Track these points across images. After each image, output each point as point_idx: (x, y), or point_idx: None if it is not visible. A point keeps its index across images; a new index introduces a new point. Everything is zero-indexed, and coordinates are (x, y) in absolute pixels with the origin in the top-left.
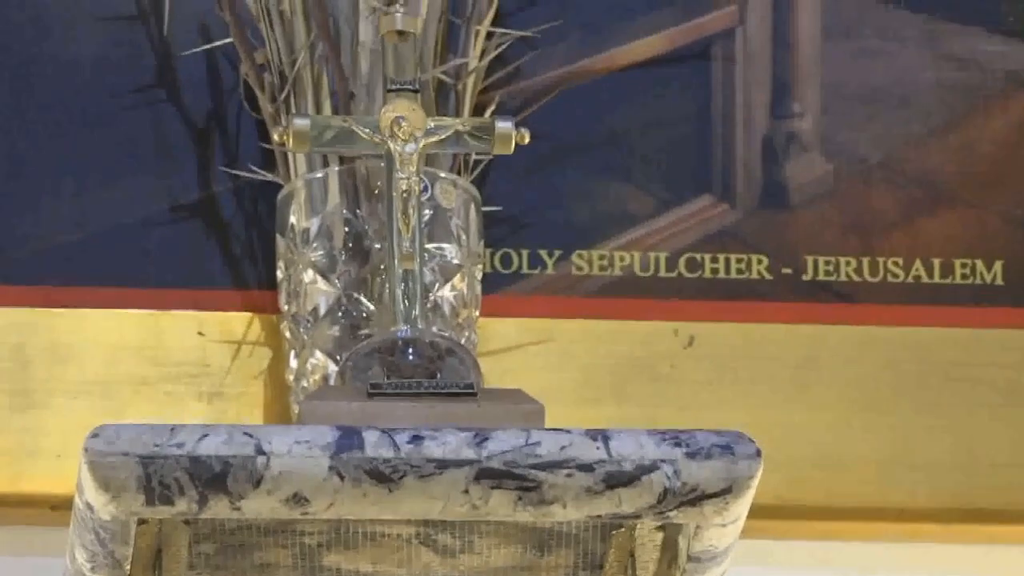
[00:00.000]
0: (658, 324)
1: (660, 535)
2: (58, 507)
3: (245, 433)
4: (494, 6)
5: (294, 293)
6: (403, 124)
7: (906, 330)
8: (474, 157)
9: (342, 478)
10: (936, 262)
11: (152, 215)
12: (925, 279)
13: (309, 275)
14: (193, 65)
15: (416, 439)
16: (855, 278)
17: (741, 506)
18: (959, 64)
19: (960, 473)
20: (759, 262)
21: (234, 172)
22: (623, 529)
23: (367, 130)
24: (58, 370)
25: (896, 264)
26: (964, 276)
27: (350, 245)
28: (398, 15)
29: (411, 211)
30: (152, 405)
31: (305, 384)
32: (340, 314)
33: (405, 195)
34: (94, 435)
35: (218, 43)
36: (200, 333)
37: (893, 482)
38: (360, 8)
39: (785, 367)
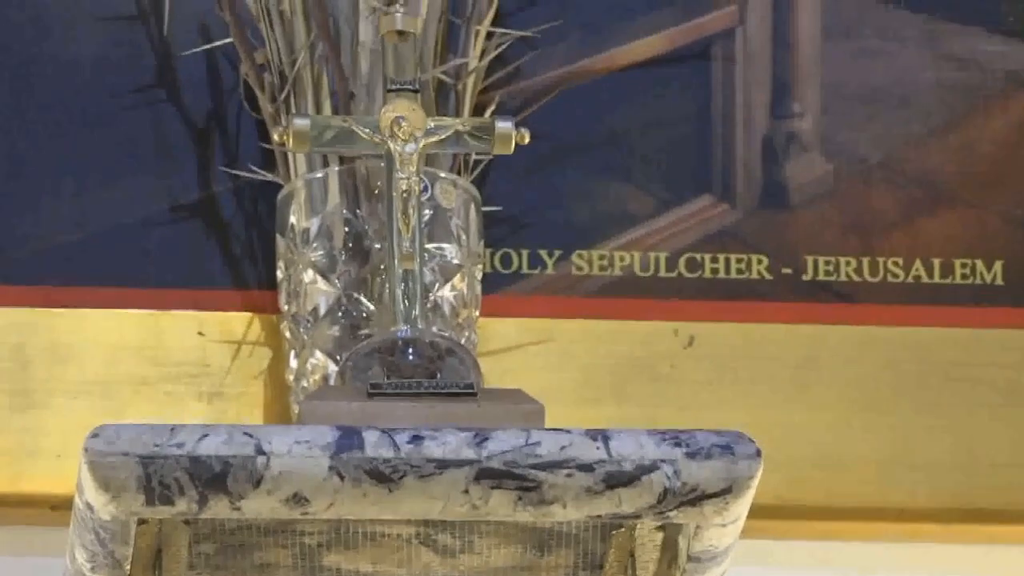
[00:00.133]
0: (658, 324)
1: (660, 535)
2: (58, 507)
3: (245, 433)
4: (494, 6)
5: (294, 293)
6: (403, 124)
7: (906, 330)
8: (474, 157)
9: (342, 478)
10: (936, 262)
11: (152, 215)
12: (925, 279)
13: (309, 275)
14: (193, 65)
15: (416, 439)
16: (855, 278)
17: (741, 506)
18: (959, 64)
19: (960, 473)
20: (759, 262)
21: (234, 172)
22: (623, 529)
23: (367, 130)
24: (58, 370)
25: (896, 264)
26: (964, 276)
27: (350, 245)
28: (398, 15)
29: (411, 211)
30: (152, 405)
31: (305, 384)
32: (340, 314)
33: (405, 195)
34: (94, 435)
35: (218, 43)
36: (200, 333)
37: (893, 482)
38: (360, 8)
39: (785, 367)
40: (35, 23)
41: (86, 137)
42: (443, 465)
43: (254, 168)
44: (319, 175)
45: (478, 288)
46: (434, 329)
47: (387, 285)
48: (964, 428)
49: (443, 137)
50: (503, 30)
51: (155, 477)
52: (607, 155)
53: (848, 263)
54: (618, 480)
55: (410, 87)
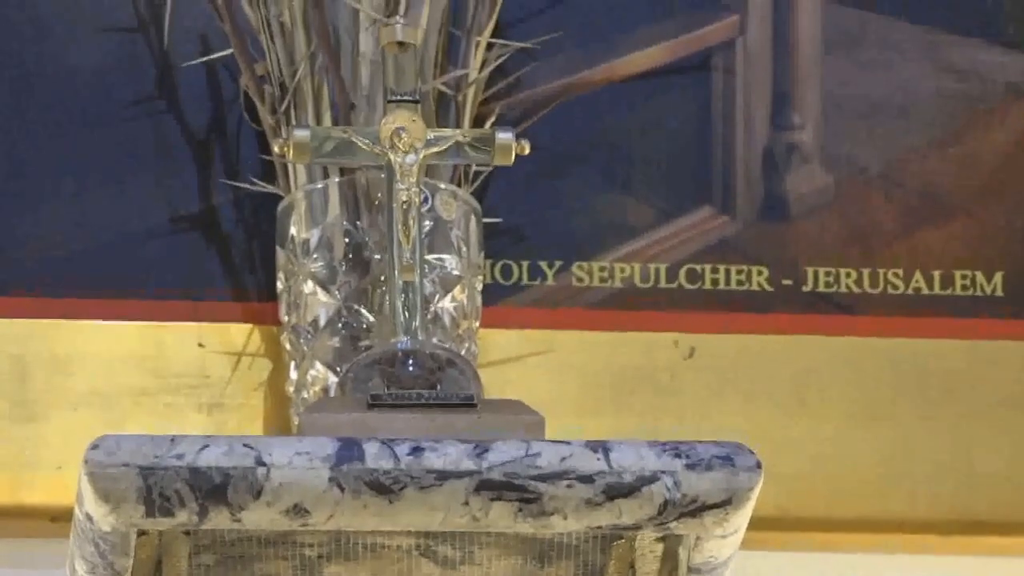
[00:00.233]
0: (658, 335)
1: (660, 546)
2: (58, 519)
3: (245, 444)
4: (494, 17)
5: (294, 304)
6: (403, 135)
7: (906, 341)
8: (474, 168)
9: (342, 489)
10: (936, 273)
11: (152, 226)
12: (925, 290)
13: (309, 286)
14: (193, 76)
15: (416, 450)
16: (855, 289)
17: (741, 517)
18: (959, 75)
19: (960, 484)
20: (759, 273)
21: (234, 183)
22: (623, 540)
23: (367, 141)
24: (58, 381)
25: (896, 275)
26: (964, 287)
27: (350, 256)
28: (398, 26)
29: (411, 222)
30: (152, 416)
31: (305, 395)
32: (340, 325)
33: (405, 206)
34: (94, 446)
35: (218, 55)
36: (200, 344)
37: (893, 493)
38: (360, 19)
39: (785, 378)
40: (36, 35)
41: (86, 148)
42: (443, 476)
43: (254, 179)
44: (319, 186)
45: (478, 299)
46: (434, 340)
47: (387, 296)
48: (964, 439)
49: (443, 148)
50: (503, 41)
51: (155, 488)
52: (607, 166)
53: (848, 274)
54: (618, 491)
55: (410, 98)
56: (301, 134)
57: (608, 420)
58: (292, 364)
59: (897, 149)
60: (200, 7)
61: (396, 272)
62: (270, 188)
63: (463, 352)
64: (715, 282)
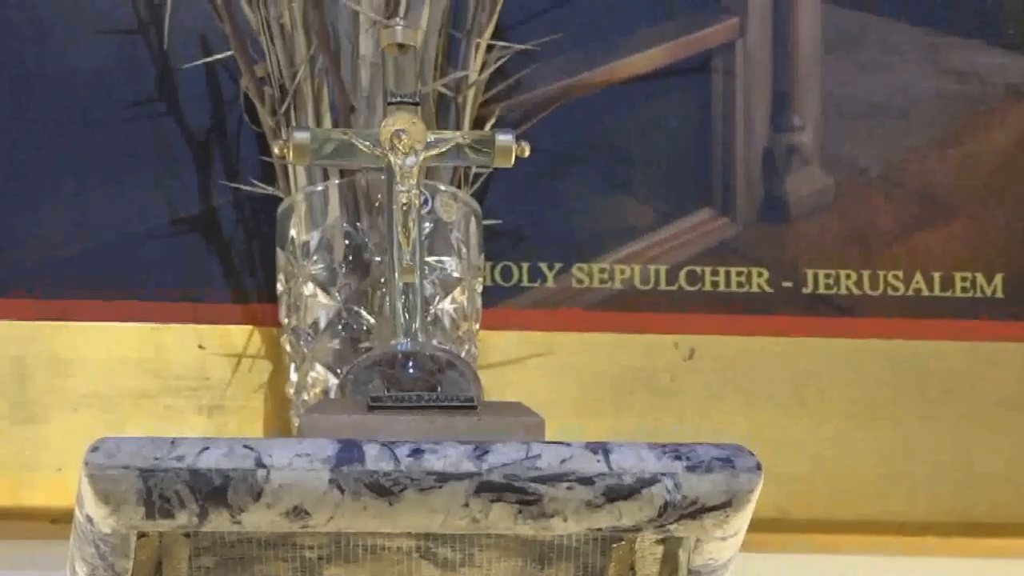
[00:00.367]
0: (658, 337)
1: (660, 548)
2: (58, 520)
3: (245, 446)
4: (494, 19)
5: (294, 306)
6: (403, 137)
7: (906, 343)
8: (474, 170)
9: (342, 491)
10: (936, 275)
11: (152, 228)
12: (925, 292)
13: (309, 288)
14: (193, 78)
15: (416, 452)
16: (855, 291)
17: (741, 519)
18: (959, 77)
19: (960, 486)
20: (759, 275)
21: (234, 185)
22: (623, 542)
23: (367, 143)
24: (58, 383)
25: (896, 277)
26: (964, 289)
27: (350, 258)
28: (398, 28)
29: (411, 224)
30: (152, 418)
31: (305, 397)
32: (340, 327)
33: (405, 208)
34: (94, 448)
35: (218, 56)
36: (200, 346)
37: (893, 495)
38: (360, 21)
39: (785, 380)
40: (36, 36)
41: (86, 149)
42: (443, 478)
43: (254, 181)
44: (319, 188)
45: (478, 301)
46: (434, 342)
47: (387, 298)
48: (964, 441)
49: (443, 150)
50: (503, 43)
51: (155, 490)
52: (607, 168)
53: (848, 276)
54: (618, 493)
55: (410, 100)
56: (301, 136)
57: (608, 422)
58: (292, 366)
59: (897, 150)
60: (200, 8)
61: (396, 274)
62: (270, 190)
63: (463, 354)
64: (715, 284)
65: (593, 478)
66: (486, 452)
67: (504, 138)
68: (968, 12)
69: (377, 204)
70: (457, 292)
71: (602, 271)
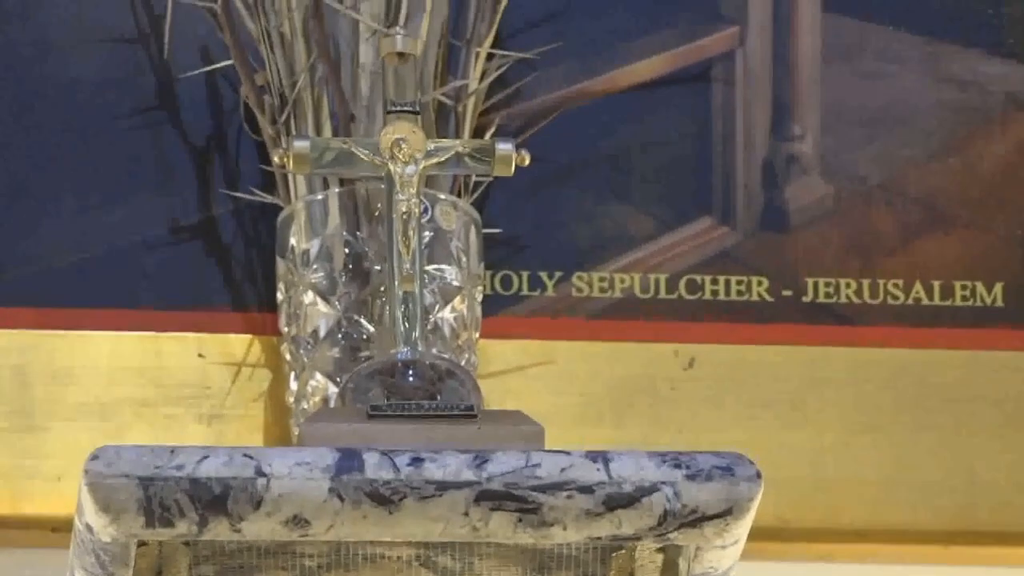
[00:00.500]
0: (658, 346)
1: (660, 557)
2: (58, 529)
3: (245, 455)
4: (494, 28)
5: (294, 315)
6: (403, 146)
7: (906, 352)
8: (474, 179)
9: (342, 500)
10: (936, 284)
11: (152, 237)
12: (925, 301)
13: (309, 297)
14: (193, 87)
15: (416, 461)
16: (855, 300)
17: (741, 528)
18: (959, 86)
19: (961, 495)
20: (759, 284)
21: (234, 194)
22: (623, 551)
23: (367, 152)
24: (58, 392)
25: (896, 286)
26: (964, 298)
27: (350, 267)
28: (398, 37)
29: (411, 233)
30: (152, 427)
31: (305, 406)
32: (340, 336)
33: (405, 217)
34: (94, 457)
35: (218, 65)
36: (200, 355)
37: (893, 504)
38: (360, 30)
39: (785, 389)
40: (36, 45)
41: (86, 159)
42: (443, 487)
43: (254, 190)
44: (319, 197)
45: (478, 310)
46: (434, 351)
47: (387, 307)
48: (964, 450)
49: (443, 159)
50: (503, 52)
51: (155, 499)
52: (607, 177)
53: (848, 285)
54: (618, 502)
55: (410, 109)
56: (301, 145)
57: (608, 430)
58: (292, 375)
59: (897, 160)
60: (200, 18)
61: (396, 283)
62: (270, 199)
63: (463, 362)
64: (715, 292)
65: (593, 487)
66: (486, 461)
67: (504, 147)
68: (968, 21)
69: (377, 213)
70: (457, 301)
71: (602, 280)
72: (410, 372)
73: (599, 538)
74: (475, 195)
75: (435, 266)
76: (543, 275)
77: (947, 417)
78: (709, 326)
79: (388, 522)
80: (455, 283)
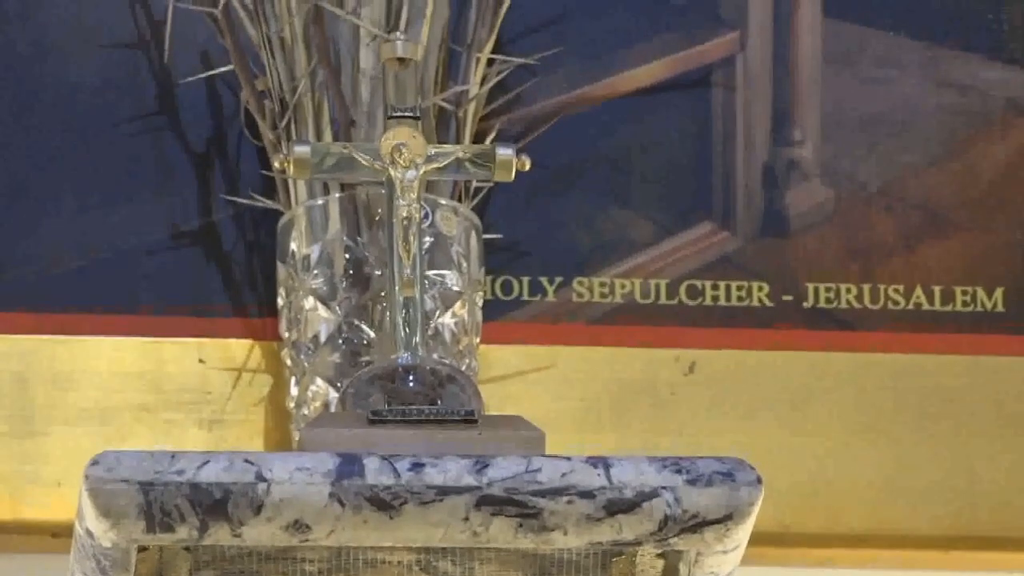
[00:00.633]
0: (659, 351)
1: (661, 562)
2: (59, 534)
3: (246, 460)
4: (494, 33)
5: (295, 320)
6: (404, 151)
7: (907, 357)
8: (475, 184)
9: (343, 505)
10: (937, 289)
11: (153, 242)
12: (926, 306)
13: (310, 302)
14: (194, 92)
15: (417, 466)
16: (856, 305)
17: (742, 533)
18: (959, 91)
19: (961, 500)
20: (760, 289)
21: (235, 199)
22: (624, 556)
23: (368, 157)
24: (58, 397)
25: (897, 291)
26: (965, 303)
27: (351, 272)
28: (399, 42)
29: (412, 238)
30: (153, 432)
31: (306, 411)
32: (341, 341)
33: (406, 222)
34: (95, 462)
35: (219, 70)
36: (201, 360)
37: (893, 509)
38: (361, 36)
39: (786, 394)
40: (36, 50)
41: (87, 164)
42: (444, 492)
43: (255, 195)
44: (320, 202)
45: (479, 315)
46: (435, 356)
47: (388, 312)
48: (964, 455)
49: (444, 164)
50: (504, 57)
51: (156, 504)
52: (608, 182)
53: (849, 290)
54: (619, 507)
55: (411, 114)
56: (301, 150)
57: (608, 435)
58: (292, 380)
59: (897, 165)
60: (201, 23)
61: (396, 288)
62: (270, 204)
63: (464, 368)
64: (715, 298)
65: (594, 492)
66: (486, 466)
67: (504, 152)
68: (968, 26)
69: (377, 218)
70: (457, 306)
71: (602, 285)
72: (411, 377)
73: (600, 543)
74: (476, 200)
75: (436, 271)
76: (544, 280)
77: (948, 422)
78: (710, 331)
79: (389, 527)
80: (456, 288)
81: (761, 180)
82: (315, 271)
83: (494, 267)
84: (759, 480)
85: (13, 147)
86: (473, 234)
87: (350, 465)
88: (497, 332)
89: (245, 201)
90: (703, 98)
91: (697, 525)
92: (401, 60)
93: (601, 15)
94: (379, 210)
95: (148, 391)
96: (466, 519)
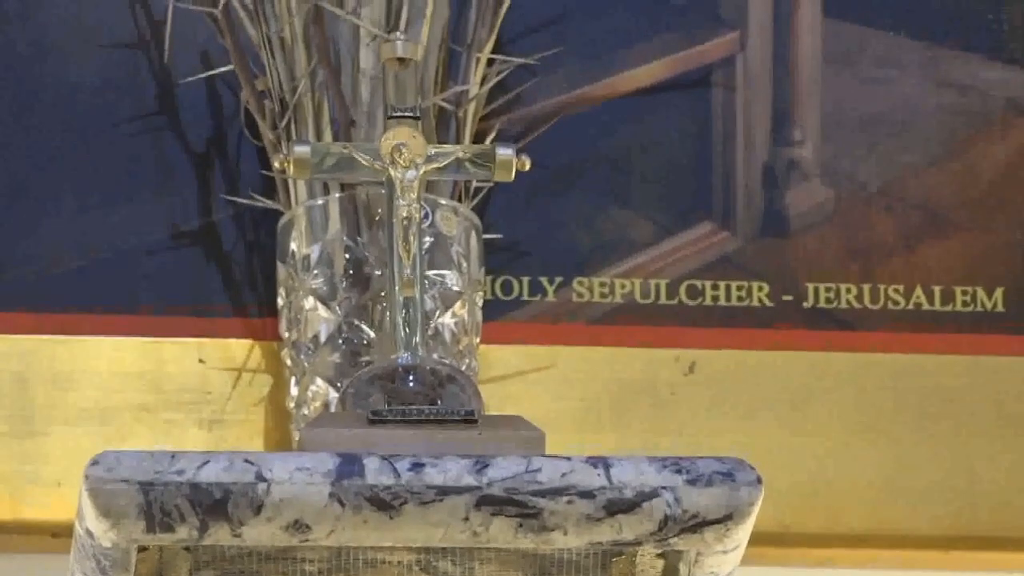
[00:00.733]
0: (659, 351)
1: (661, 562)
2: (59, 534)
3: (246, 460)
4: (494, 33)
5: (295, 320)
6: (404, 151)
7: (907, 357)
8: (475, 184)
9: (343, 505)
10: (937, 289)
11: (153, 242)
12: (926, 306)
13: (310, 302)
14: (194, 92)
15: (417, 466)
16: (856, 305)
17: (742, 533)
18: (959, 91)
19: (960, 500)
20: (760, 289)
21: (235, 199)
22: (624, 556)
23: (368, 157)
24: (58, 397)
25: (897, 291)
26: (965, 303)
27: (351, 272)
28: (399, 42)
29: (412, 238)
30: (153, 432)
31: (306, 411)
32: (341, 341)
33: (406, 222)
34: (95, 462)
35: (219, 70)
36: (201, 360)
37: (893, 509)
38: (361, 35)
39: (786, 394)
40: (36, 50)
41: (87, 164)
42: (444, 492)
43: (255, 195)
44: (320, 202)
45: (479, 315)
46: (435, 356)
47: (388, 312)
48: (964, 455)
49: (444, 164)
50: (504, 57)
51: (156, 504)
52: (608, 182)
53: (849, 290)
54: (619, 507)
55: (411, 114)
56: (301, 150)
57: (608, 435)
58: (292, 380)
59: (897, 165)
60: (201, 23)
61: (396, 288)
62: (271, 204)
63: (464, 368)
64: (716, 298)
65: (594, 492)
66: (486, 466)
67: (504, 152)
68: (968, 26)
69: (377, 218)
70: (457, 306)
71: (603, 285)
72: (411, 377)
73: (600, 543)
74: (476, 200)
75: (436, 271)
76: (544, 280)
77: (948, 422)
78: (710, 331)
79: (389, 527)
80: (456, 288)
81: (761, 180)
82: (315, 271)
83: (494, 267)
84: (759, 480)
85: (13, 147)
86: (473, 234)
87: (350, 465)
88: (497, 332)
89: (245, 201)
90: (703, 98)
91: (697, 525)
92: (401, 60)
93: (601, 15)
94: (379, 210)
95: (148, 391)
96: (466, 519)
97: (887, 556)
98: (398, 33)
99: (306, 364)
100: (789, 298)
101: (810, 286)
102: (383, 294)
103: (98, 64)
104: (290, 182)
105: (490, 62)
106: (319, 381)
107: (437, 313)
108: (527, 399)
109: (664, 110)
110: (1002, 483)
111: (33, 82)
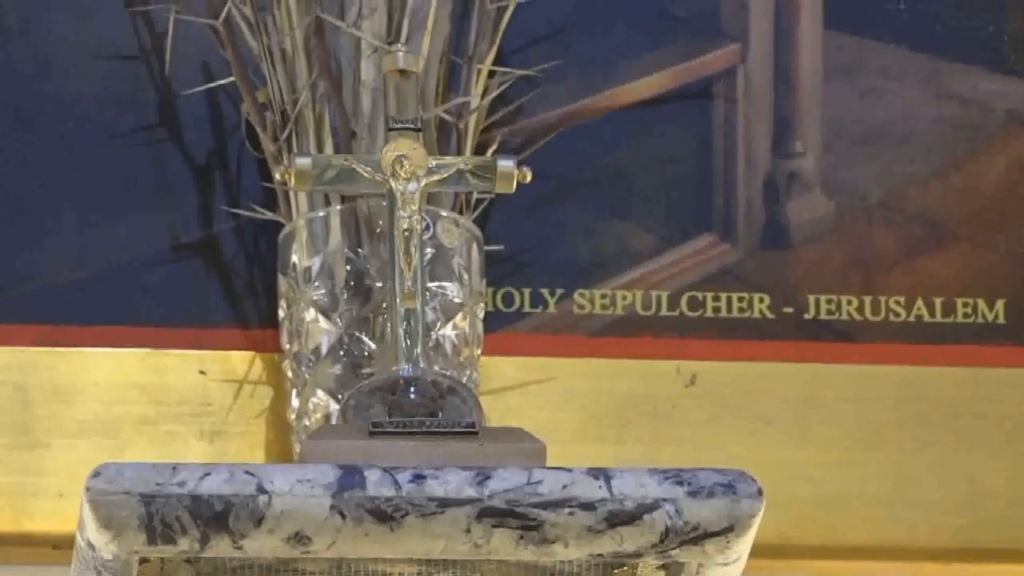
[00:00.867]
0: (660, 363)
1: (662, 574)
2: (60, 546)
3: (247, 472)
4: (496, 45)
5: (296, 332)
6: (405, 163)
7: (908, 369)
8: (476, 196)
9: (344, 517)
10: (938, 301)
11: (154, 254)
12: (927, 318)
13: (311, 314)
14: (195, 104)
15: (418, 478)
16: (857, 317)
17: (743, 545)
18: (960, 103)
19: (961, 512)
20: (761, 301)
21: (236, 211)
22: (625, 568)
23: (369, 169)
24: (59, 409)
25: (898, 303)
26: (966, 315)
27: (352, 284)
28: (400, 54)
29: (413, 250)
30: (154, 444)
31: (307, 423)
32: (342, 353)
33: (407, 234)
34: (96, 474)
35: (220, 82)
36: (202, 372)
37: (894, 521)
38: (362, 47)
39: (787, 406)
40: (37, 62)
41: (87, 176)
42: (445, 504)
43: (256, 207)
44: (321, 214)
45: (480, 327)
46: (436, 368)
47: (389, 324)
48: (965, 467)
49: (445, 176)
50: (505, 69)
51: (157, 516)
52: (609, 194)
53: (850, 302)
54: (620, 519)
55: (412, 126)
56: (302, 162)
57: (609, 447)
58: (293, 392)
59: (898, 177)
60: (201, 35)
61: (398, 300)
62: (271, 216)
63: (465, 379)
64: (716, 309)
65: (595, 504)
66: (487, 478)
67: (506, 164)
68: (969, 38)
69: (378, 230)
70: (459, 318)
71: (603, 297)
72: (412, 389)
73: (601, 555)
74: (477, 212)
75: (437, 283)
76: (545, 292)
77: (949, 434)
78: (711, 343)
79: (390, 539)
80: (457, 300)
81: (762, 192)
82: (316, 283)
83: (495, 279)
84: (760, 492)
85: (14, 159)
86: (474, 246)
87: (351, 477)
88: (498, 344)
89: (246, 213)
90: (704, 110)
91: (698, 537)
92: (402, 72)
93: (602, 27)
94: (380, 222)
95: (149, 403)
96: (467, 531)
97: (888, 568)
98: (399, 45)
99: (307, 376)
100: (790, 310)
101: (811, 298)
102: (384, 306)
103: (99, 77)
104: (291, 194)
105: (491, 74)
106: (320, 393)
107: (438, 325)
108: (528, 411)
109: (665, 122)
110: (1003, 495)
111: (34, 95)
